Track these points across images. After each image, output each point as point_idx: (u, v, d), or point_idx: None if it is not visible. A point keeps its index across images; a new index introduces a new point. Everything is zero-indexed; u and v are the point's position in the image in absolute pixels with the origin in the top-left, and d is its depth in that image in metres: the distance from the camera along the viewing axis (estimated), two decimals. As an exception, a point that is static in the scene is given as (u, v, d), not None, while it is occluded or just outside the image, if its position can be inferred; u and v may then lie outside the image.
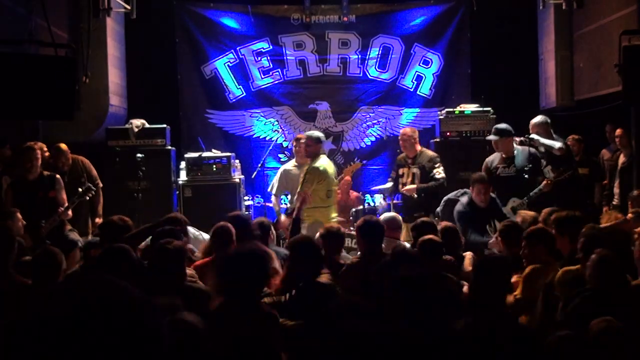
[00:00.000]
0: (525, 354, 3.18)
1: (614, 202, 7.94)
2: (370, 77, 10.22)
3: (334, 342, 2.64)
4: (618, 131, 8.11)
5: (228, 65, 10.12)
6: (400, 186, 7.85)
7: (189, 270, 4.41)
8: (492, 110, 8.74)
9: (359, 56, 10.15)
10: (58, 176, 6.85)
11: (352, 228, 7.20)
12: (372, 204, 9.07)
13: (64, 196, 6.77)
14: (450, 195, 7.24)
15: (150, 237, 4.92)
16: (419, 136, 8.17)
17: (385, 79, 10.23)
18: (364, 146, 10.22)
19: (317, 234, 5.25)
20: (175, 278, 3.99)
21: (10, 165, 6.96)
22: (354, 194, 9.16)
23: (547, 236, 4.80)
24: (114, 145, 8.39)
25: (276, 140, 9.98)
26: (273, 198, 8.25)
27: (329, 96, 10.21)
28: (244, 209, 8.29)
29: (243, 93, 10.19)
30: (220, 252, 4.74)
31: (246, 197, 9.02)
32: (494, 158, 7.58)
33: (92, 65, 7.77)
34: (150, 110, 8.97)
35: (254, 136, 10.10)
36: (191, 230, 6.04)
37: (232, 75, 10.13)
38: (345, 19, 10.06)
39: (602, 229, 4.93)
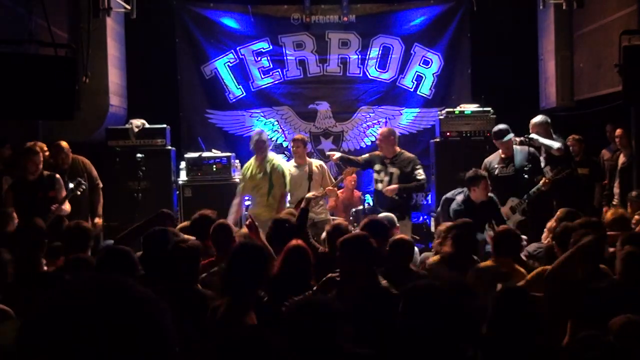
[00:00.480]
0: None
1: (613, 202, 7.94)
2: (370, 77, 10.22)
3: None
4: (618, 131, 8.11)
5: (228, 65, 10.12)
6: (379, 185, 7.77)
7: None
8: (492, 110, 8.74)
9: (359, 56, 10.15)
10: (58, 176, 6.84)
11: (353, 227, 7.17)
12: (372, 203, 9.06)
13: (64, 195, 6.76)
14: (448, 194, 7.26)
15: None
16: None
17: (385, 79, 10.23)
18: (364, 146, 10.20)
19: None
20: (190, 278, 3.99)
21: (10, 165, 6.96)
22: (357, 193, 9.17)
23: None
24: (114, 145, 8.40)
25: (276, 141, 9.98)
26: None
27: (329, 96, 10.22)
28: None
29: (243, 93, 10.20)
30: (221, 252, 4.72)
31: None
32: (493, 158, 7.59)
33: (92, 65, 7.76)
34: (150, 110, 8.96)
35: (254, 136, 10.11)
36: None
37: (232, 75, 10.13)
38: (345, 19, 10.05)
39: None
